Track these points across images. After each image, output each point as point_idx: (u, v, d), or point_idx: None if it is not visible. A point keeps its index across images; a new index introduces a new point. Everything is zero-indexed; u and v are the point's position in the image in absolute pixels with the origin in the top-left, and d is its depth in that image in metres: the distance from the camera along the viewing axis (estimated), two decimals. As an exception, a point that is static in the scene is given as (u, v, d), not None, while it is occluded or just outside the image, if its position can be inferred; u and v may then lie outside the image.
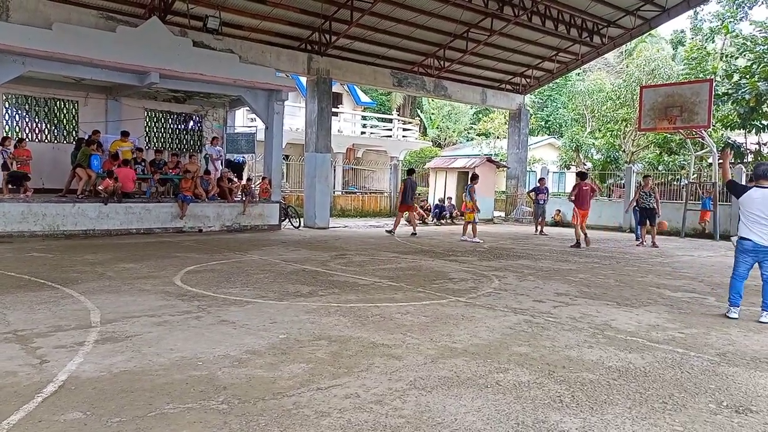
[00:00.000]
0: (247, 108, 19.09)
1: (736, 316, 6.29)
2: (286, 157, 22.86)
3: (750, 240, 6.22)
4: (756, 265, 6.37)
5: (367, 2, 15.31)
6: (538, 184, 18.36)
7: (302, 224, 16.73)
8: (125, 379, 3.84)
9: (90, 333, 4.90)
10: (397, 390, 3.79)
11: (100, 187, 12.80)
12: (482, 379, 4.05)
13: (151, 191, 14.06)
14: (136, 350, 4.47)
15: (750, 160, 20.01)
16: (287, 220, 16.77)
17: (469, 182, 14.89)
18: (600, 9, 18.08)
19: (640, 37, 23.65)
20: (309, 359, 4.37)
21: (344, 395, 3.67)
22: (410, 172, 16.33)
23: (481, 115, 38.68)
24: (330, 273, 8.54)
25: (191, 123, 17.47)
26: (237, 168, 16.78)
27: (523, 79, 22.57)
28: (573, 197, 14.38)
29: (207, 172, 15.25)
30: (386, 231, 15.66)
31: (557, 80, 25.63)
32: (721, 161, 6.87)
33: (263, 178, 16.28)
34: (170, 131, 17.15)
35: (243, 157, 17.57)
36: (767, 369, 4.50)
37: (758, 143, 20.22)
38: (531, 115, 27.17)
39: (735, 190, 6.70)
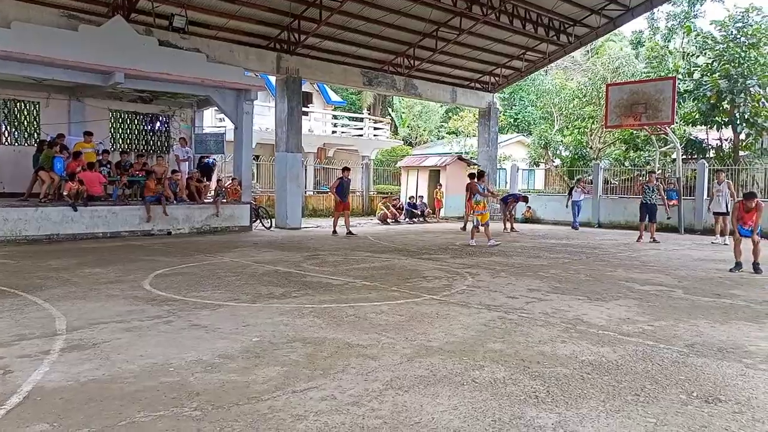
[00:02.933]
0: (216, 108, 18.82)
1: None
2: (257, 157, 22.63)
3: None
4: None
5: (336, 1, 15.23)
6: (513, 197, 18.31)
7: (274, 225, 16.58)
8: (93, 388, 3.73)
9: (55, 341, 4.75)
10: (374, 390, 3.76)
11: (65, 192, 12.45)
12: (458, 377, 4.05)
13: (117, 194, 13.73)
14: (105, 358, 4.34)
15: (712, 155, 20.56)
16: (258, 221, 16.59)
17: (476, 180, 13.59)
18: (566, 8, 18.35)
19: (605, 36, 24.06)
20: (283, 362, 4.32)
21: (320, 397, 3.63)
22: (345, 170, 15.87)
23: (451, 114, 38.91)
24: (303, 274, 8.47)
25: (158, 124, 17.13)
26: (207, 169, 16.51)
27: (492, 77, 22.78)
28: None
29: (174, 172, 14.97)
30: (347, 233, 14.90)
31: (525, 78, 25.95)
32: None
33: (233, 179, 16.08)
34: (136, 132, 16.80)
35: (214, 158, 17.32)
36: (734, 359, 4.61)
37: (719, 139, 20.79)
38: (500, 113, 27.44)
39: None
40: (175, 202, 14.14)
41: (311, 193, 24.66)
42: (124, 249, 11.00)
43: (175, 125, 17.26)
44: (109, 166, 14.07)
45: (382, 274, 8.63)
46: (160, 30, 13.94)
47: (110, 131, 16.06)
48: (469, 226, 14.63)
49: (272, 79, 18.47)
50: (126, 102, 16.09)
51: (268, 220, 16.67)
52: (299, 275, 8.33)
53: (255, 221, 16.22)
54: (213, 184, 16.25)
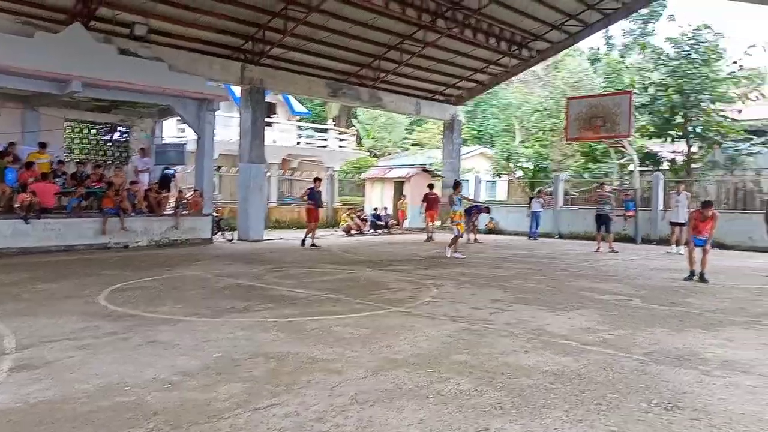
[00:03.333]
0: (178, 118, 18.49)
1: None
2: (219, 168, 22.28)
3: None
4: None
5: (301, 12, 15.21)
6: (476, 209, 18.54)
7: (236, 237, 16.31)
8: (44, 410, 3.56)
9: (3, 361, 4.53)
10: (338, 406, 3.71)
11: (16, 204, 11.99)
12: (424, 390, 4.03)
13: (72, 206, 13.30)
14: (57, 377, 4.16)
15: (666, 168, 21.24)
16: (220, 233, 16.30)
17: (453, 191, 13.50)
18: (528, 23, 18.77)
19: (565, 51, 24.68)
20: (245, 378, 4.22)
21: (283, 414, 3.55)
22: (316, 180, 15.91)
23: (415, 126, 39.19)
24: (266, 287, 8.34)
25: (117, 133, 16.71)
26: (165, 180, 16.12)
27: (455, 90, 23.06)
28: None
29: (133, 183, 14.61)
30: (311, 245, 14.83)
31: (488, 92, 26.39)
32: None
33: (195, 190, 15.78)
34: (94, 142, 16.34)
35: (174, 169, 16.97)
36: (690, 366, 4.73)
37: (673, 151, 21.50)
38: (463, 125, 27.80)
39: None
40: (133, 214, 13.78)
41: (275, 204, 24.40)
42: (79, 263, 10.64)
43: (135, 135, 16.87)
44: (64, 177, 13.63)
45: (346, 286, 8.57)
46: (121, 38, 13.65)
47: (66, 141, 15.58)
48: (441, 237, 14.67)
49: (236, 89, 18.27)
50: (83, 111, 15.64)
51: (230, 233, 16.41)
52: (262, 288, 8.20)
53: (216, 233, 15.94)
54: (175, 194, 15.90)
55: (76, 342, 5.11)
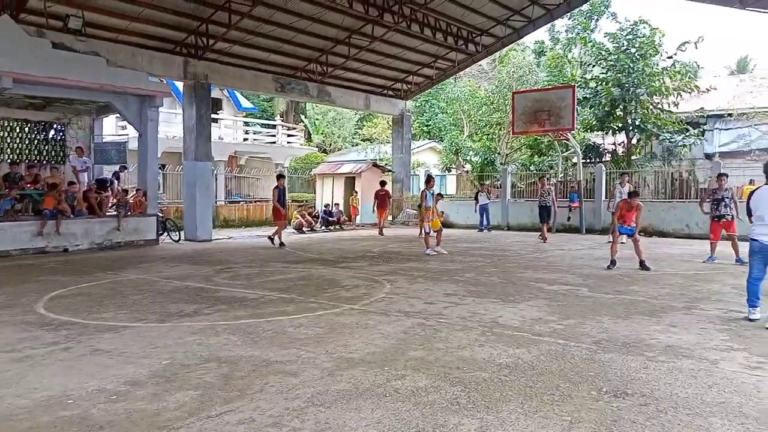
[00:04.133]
0: (118, 115, 17.78)
1: (757, 316, 6.04)
2: (163, 166, 21.61)
3: (757, 240, 6.12)
4: None
5: (246, 5, 14.87)
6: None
7: (182, 238, 15.85)
8: (-22, 429, 3.34)
9: (-69, 378, 4.24)
10: (295, 409, 3.64)
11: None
12: (381, 389, 4.01)
13: (5, 209, 12.59)
14: (-8, 393, 3.92)
15: (608, 159, 21.97)
16: (166, 233, 15.80)
17: (425, 186, 13.07)
18: (474, 18, 19.00)
19: (510, 46, 25.12)
20: (197, 385, 4.09)
21: (238, 421, 3.46)
22: (280, 177, 15.49)
23: (365, 121, 39.12)
24: (216, 289, 8.13)
25: (52, 132, 15.91)
26: (102, 183, 15.43)
27: (404, 84, 23.14)
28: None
29: (71, 183, 13.96)
30: (279, 245, 14.37)
31: (436, 86, 26.61)
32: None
33: (137, 190, 15.22)
34: (27, 141, 15.48)
35: (110, 177, 16.21)
36: (637, 353, 4.89)
37: (614, 144, 22.26)
38: (413, 120, 27.94)
39: (749, 203, 6.42)
40: (72, 216, 13.18)
41: (222, 203, 23.87)
42: (14, 269, 10.09)
43: (72, 133, 16.11)
44: (-5, 178, 12.89)
45: (299, 285, 8.46)
46: (54, 32, 12.99)
47: (-4, 140, 14.74)
48: (393, 232, 14.63)
49: (179, 84, 17.72)
50: (15, 109, 14.79)
51: (177, 233, 15.92)
52: (211, 290, 7.99)
53: (162, 234, 15.44)
54: (118, 194, 15.27)
55: (13, 354, 4.83)
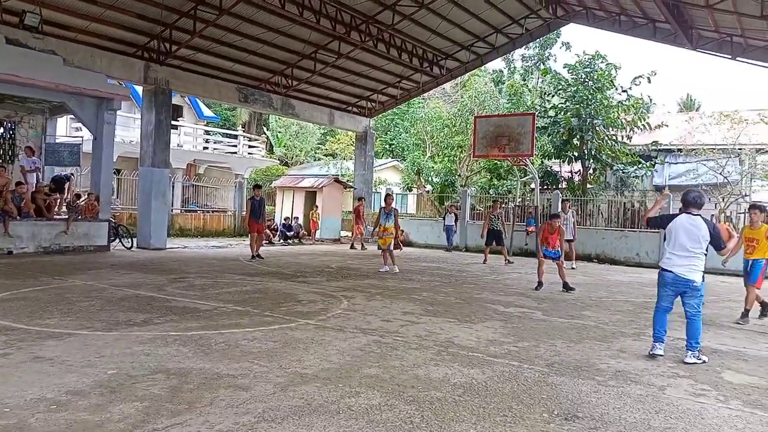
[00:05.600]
0: (72, 116, 17.25)
1: (660, 352, 5.68)
2: (118, 171, 21.03)
3: (671, 272, 5.69)
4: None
5: (212, 13, 14.73)
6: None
7: (135, 245, 15.40)
8: None
9: None
10: (245, 424, 3.54)
11: None
12: (334, 405, 3.95)
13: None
14: None
15: (564, 186, 22.54)
16: (118, 240, 15.33)
17: (383, 203, 12.91)
18: (439, 42, 19.35)
19: (473, 71, 25.64)
20: (143, 396, 3.94)
21: (185, 435, 3.34)
22: (257, 187, 15.18)
23: (328, 136, 39.09)
24: (167, 298, 7.90)
25: (1, 130, 15.30)
26: (59, 183, 14.96)
27: (369, 102, 23.28)
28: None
29: (19, 184, 13.41)
30: (254, 256, 13.90)
31: (400, 106, 26.88)
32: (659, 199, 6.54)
33: (90, 194, 14.73)
34: (-26, 139, 14.87)
35: (66, 173, 15.75)
36: (588, 377, 4.98)
37: (570, 171, 22.88)
38: (376, 138, 28.08)
39: (661, 221, 6.12)
40: (18, 217, 12.64)
41: (179, 211, 23.34)
42: (-48, 270, 9.59)
43: (23, 132, 15.52)
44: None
45: (254, 298, 8.31)
46: (9, 27, 12.56)
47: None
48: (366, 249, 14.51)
49: (139, 89, 17.34)
50: (-38, 104, 14.23)
51: (129, 240, 15.46)
52: (163, 300, 7.76)
53: (114, 240, 14.97)
54: (69, 197, 14.76)
55: (-56, 360, 4.56)
